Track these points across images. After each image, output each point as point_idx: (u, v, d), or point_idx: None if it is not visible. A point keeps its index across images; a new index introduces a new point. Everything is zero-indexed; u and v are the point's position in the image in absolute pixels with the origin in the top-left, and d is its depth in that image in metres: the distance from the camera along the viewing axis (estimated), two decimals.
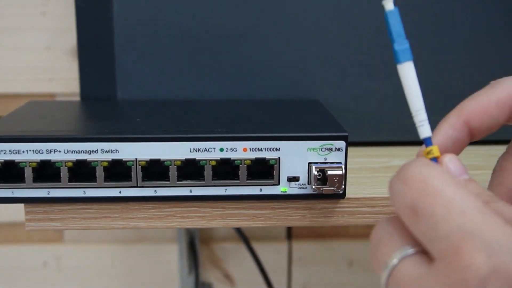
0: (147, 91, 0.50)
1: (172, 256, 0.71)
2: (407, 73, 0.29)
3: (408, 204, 0.27)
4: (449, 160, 0.30)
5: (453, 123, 0.32)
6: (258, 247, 0.69)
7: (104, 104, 0.48)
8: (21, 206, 0.39)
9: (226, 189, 0.38)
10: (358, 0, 0.49)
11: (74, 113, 0.46)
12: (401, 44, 0.29)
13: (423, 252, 0.27)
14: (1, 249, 0.69)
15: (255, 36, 0.49)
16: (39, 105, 0.47)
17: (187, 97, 0.50)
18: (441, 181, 0.26)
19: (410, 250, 0.27)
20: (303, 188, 0.39)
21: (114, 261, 0.71)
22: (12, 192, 0.37)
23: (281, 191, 0.39)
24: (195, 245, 0.70)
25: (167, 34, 0.49)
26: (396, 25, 0.29)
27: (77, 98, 0.63)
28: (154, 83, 0.50)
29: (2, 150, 0.36)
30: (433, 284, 0.25)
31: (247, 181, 0.38)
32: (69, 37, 0.62)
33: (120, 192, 0.37)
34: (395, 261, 0.27)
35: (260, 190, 0.38)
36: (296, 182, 0.38)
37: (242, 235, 0.67)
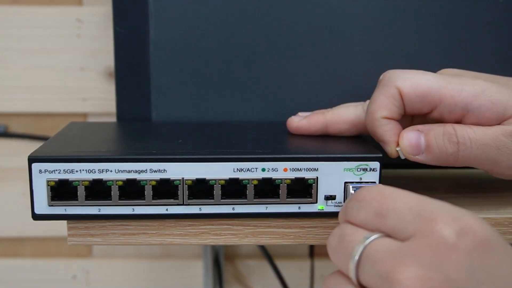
0: (182, 112, 0.52)
1: (197, 272, 0.72)
2: None
3: (372, 213, 0.31)
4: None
5: (317, 121, 0.44)
6: (281, 264, 0.70)
7: (141, 125, 0.50)
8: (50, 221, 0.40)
9: (266, 207, 0.40)
10: (383, 24, 0.50)
11: (117, 134, 0.48)
12: None
13: (388, 236, 0.30)
14: (32, 262, 0.71)
15: (287, 61, 0.51)
16: (80, 126, 0.49)
17: (220, 118, 0.52)
18: (390, 188, 0.32)
19: (377, 234, 0.30)
20: (339, 206, 0.40)
21: (140, 276, 0.72)
22: (65, 210, 0.39)
23: (319, 209, 0.40)
24: (219, 262, 0.71)
25: (201, 57, 0.51)
26: None
27: (109, 118, 0.65)
28: (188, 105, 0.52)
29: (56, 170, 0.38)
30: (411, 253, 0.28)
31: (287, 200, 0.40)
32: (103, 59, 0.64)
33: (167, 209, 0.39)
34: (366, 241, 0.30)
35: (299, 208, 0.40)
36: (333, 201, 0.40)
37: (266, 253, 0.69)
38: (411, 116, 0.43)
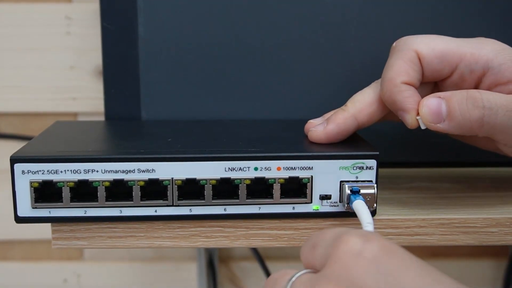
0: (171, 111, 0.51)
1: (191, 275, 0.71)
2: None
3: (309, 246, 0.31)
4: None
5: (344, 118, 0.40)
6: (275, 266, 0.69)
7: (130, 124, 0.49)
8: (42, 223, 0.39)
9: (259, 208, 0.39)
10: (379, 20, 0.50)
11: (104, 133, 0.47)
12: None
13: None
14: (22, 266, 0.69)
15: (278, 58, 0.50)
16: (66, 125, 0.48)
17: (210, 117, 0.51)
18: (337, 228, 0.32)
19: (304, 271, 0.31)
20: (335, 206, 0.39)
21: (133, 279, 0.71)
22: (49, 212, 0.37)
23: (314, 209, 0.39)
24: (214, 264, 0.70)
25: (191, 55, 0.50)
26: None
27: (99, 117, 0.63)
28: (178, 103, 0.51)
29: (40, 170, 0.37)
30: (325, 274, 0.29)
31: (281, 200, 0.38)
32: (93, 57, 0.63)
33: (156, 211, 0.38)
34: (293, 278, 0.31)
35: (293, 208, 0.39)
36: (328, 200, 0.39)
37: (258, 255, 0.67)
38: (430, 89, 0.41)
